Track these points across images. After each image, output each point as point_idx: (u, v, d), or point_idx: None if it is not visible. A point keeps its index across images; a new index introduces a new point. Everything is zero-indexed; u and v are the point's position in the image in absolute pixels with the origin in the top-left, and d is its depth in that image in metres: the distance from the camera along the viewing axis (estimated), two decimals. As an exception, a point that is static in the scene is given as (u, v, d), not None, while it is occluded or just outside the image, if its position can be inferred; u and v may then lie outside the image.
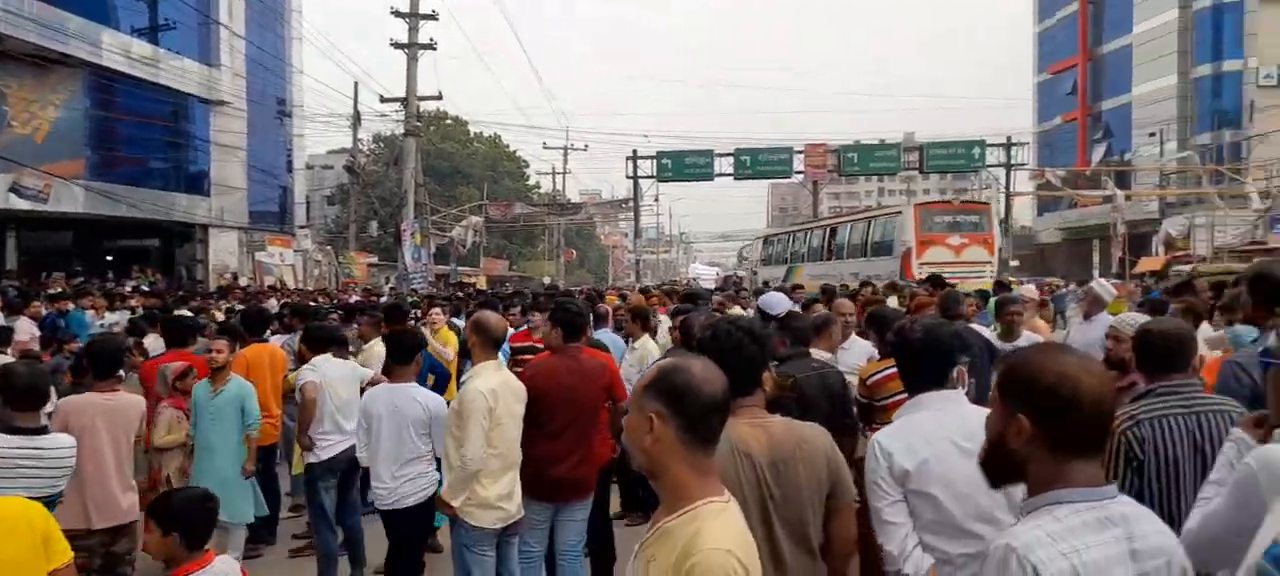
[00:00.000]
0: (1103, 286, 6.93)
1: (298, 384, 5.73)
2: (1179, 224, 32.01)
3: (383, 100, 29.19)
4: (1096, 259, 38.22)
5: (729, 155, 39.49)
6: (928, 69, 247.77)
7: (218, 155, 27.34)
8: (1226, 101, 40.85)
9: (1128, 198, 36.93)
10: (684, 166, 39.84)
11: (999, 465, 1.66)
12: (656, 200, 54.68)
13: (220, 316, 10.64)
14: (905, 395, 2.80)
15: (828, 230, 26.34)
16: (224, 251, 28.04)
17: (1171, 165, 39.82)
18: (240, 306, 11.41)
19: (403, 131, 29.21)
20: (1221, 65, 41.15)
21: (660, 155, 39.82)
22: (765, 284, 20.94)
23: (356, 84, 50.85)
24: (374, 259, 40.54)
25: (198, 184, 27.40)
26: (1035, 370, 1.59)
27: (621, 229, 72.78)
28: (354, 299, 16.71)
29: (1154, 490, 2.70)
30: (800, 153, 39.01)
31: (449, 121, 56.35)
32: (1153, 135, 41.91)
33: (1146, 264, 30.88)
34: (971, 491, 2.39)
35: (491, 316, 4.51)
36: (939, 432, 2.52)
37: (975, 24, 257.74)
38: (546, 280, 43.18)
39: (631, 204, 42.87)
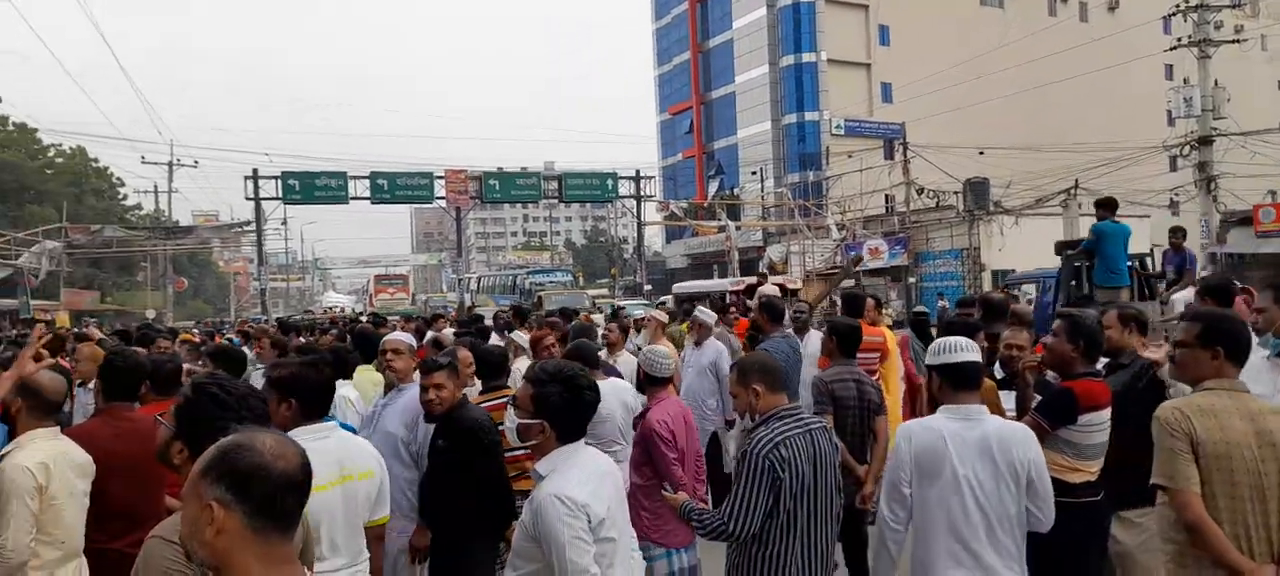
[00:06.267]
0: (705, 313, 7.30)
1: None
2: (779, 250, 36.57)
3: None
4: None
5: (365, 178, 37.44)
6: (572, 103, 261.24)
7: None
8: (809, 146, 47.85)
9: (738, 228, 41.47)
10: (315, 188, 37.05)
11: None
12: (285, 224, 50.10)
13: None
14: None
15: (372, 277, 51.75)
16: None
17: (771, 199, 45.58)
18: None
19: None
20: (804, 115, 48.17)
21: (286, 176, 36.61)
22: None
23: None
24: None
25: None
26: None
27: (246, 254, 65.83)
28: None
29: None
30: (441, 178, 38.19)
31: (12, 128, 47.20)
32: (755, 173, 47.70)
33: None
34: None
35: (46, 377, 3.75)
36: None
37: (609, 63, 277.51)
38: (150, 313, 37.71)
39: (254, 227, 38.82)
